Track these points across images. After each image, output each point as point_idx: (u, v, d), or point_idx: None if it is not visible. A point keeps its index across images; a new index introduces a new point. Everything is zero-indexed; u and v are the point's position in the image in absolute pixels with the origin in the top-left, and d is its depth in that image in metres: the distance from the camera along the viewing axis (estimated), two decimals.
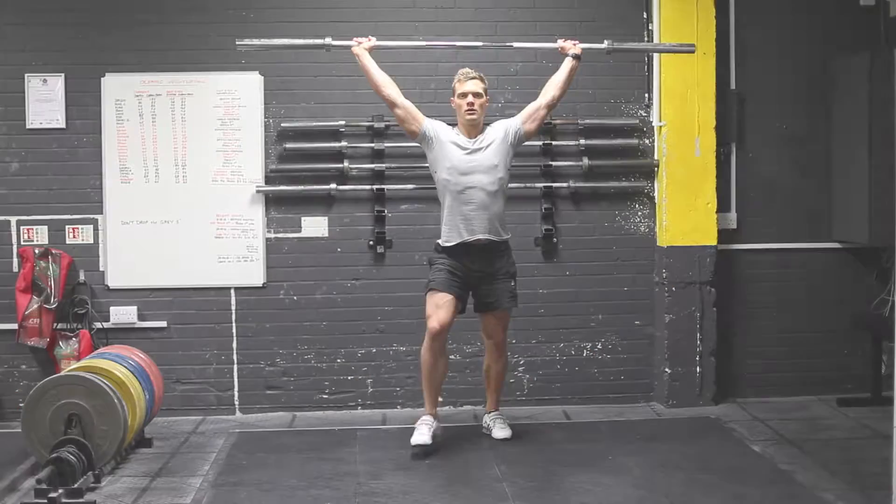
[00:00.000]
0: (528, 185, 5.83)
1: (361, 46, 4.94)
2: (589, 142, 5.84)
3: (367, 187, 5.78)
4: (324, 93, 5.77)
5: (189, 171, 5.73)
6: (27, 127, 5.67)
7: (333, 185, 5.75)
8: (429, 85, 5.78)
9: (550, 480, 4.44)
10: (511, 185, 5.67)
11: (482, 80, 4.94)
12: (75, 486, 4.20)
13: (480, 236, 4.86)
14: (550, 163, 5.83)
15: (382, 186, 5.76)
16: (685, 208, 5.78)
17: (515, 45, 5.35)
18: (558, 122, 5.80)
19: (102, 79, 5.68)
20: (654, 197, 5.90)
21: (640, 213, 5.92)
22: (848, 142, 5.85)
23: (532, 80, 5.79)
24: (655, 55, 5.78)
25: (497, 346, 5.10)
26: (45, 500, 4.03)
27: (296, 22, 5.74)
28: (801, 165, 6.01)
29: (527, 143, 5.66)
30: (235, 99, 5.72)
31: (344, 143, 5.76)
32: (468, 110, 4.87)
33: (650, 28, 5.82)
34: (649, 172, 5.89)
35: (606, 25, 5.82)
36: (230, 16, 5.72)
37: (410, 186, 5.75)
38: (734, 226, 5.97)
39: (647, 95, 5.87)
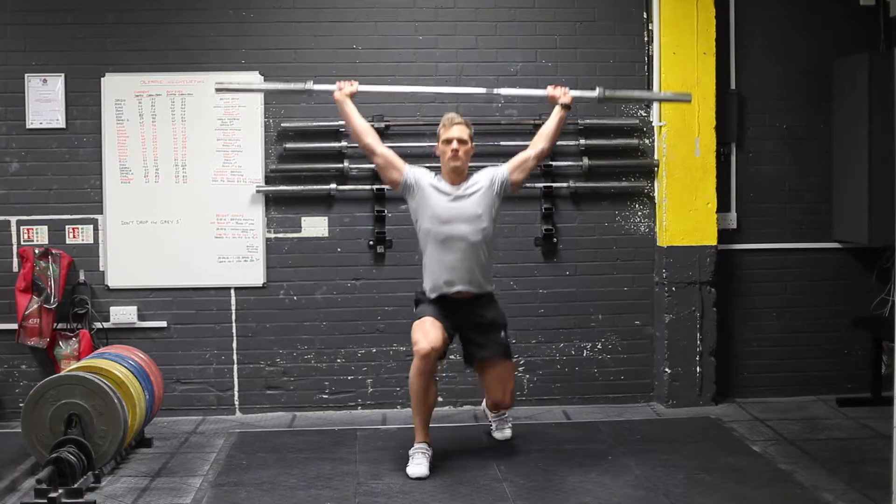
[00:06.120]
0: (528, 185, 5.80)
1: (343, 92, 4.75)
2: (589, 142, 5.84)
3: (367, 187, 5.78)
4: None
5: (189, 171, 5.73)
6: (27, 127, 5.67)
7: (333, 185, 5.75)
8: (429, 84, 5.78)
9: (550, 480, 4.44)
10: None
11: (468, 126, 4.73)
12: (75, 486, 4.20)
13: (461, 288, 4.68)
14: (550, 163, 5.82)
15: (382, 186, 5.74)
16: (685, 208, 5.78)
17: (503, 92, 5.21)
18: None
19: (102, 79, 5.68)
20: (654, 197, 5.90)
21: (640, 213, 5.92)
22: (848, 142, 5.85)
23: (532, 80, 5.80)
24: (655, 55, 5.78)
25: (506, 408, 5.00)
26: (45, 500, 4.03)
27: (295, 22, 5.75)
28: (801, 165, 6.02)
29: (526, 143, 5.67)
30: (235, 99, 5.72)
31: (344, 143, 5.75)
32: (452, 156, 4.66)
33: (650, 28, 5.82)
34: (649, 172, 5.89)
35: (606, 25, 5.84)
36: (230, 16, 5.73)
37: None
38: (734, 226, 5.97)
39: None
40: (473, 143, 4.78)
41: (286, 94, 5.58)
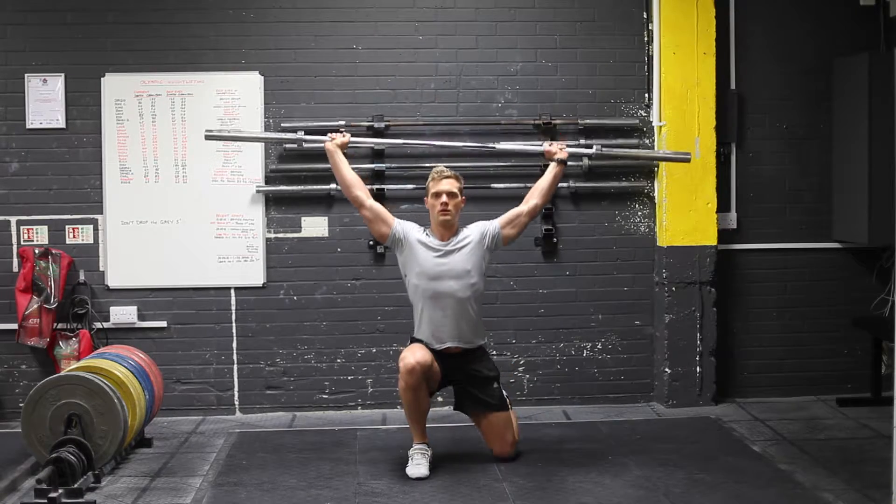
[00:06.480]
0: (529, 185, 5.76)
1: (334, 143, 4.72)
2: (589, 141, 5.82)
3: (367, 187, 5.76)
4: (324, 93, 5.77)
5: (189, 171, 5.73)
6: (27, 127, 5.67)
7: (333, 185, 5.74)
8: (429, 85, 5.79)
9: (550, 480, 4.44)
10: (512, 185, 5.72)
11: (458, 179, 4.68)
12: (75, 486, 4.20)
13: (450, 344, 4.64)
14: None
15: (382, 186, 5.75)
16: (685, 208, 5.78)
17: (500, 146, 5.24)
18: (558, 122, 5.80)
19: (102, 79, 5.68)
20: (654, 197, 5.90)
21: (640, 213, 5.92)
22: (848, 142, 5.85)
23: (532, 80, 5.81)
24: (655, 55, 5.78)
25: (510, 459, 4.74)
26: (45, 500, 4.03)
27: (295, 22, 5.75)
28: (801, 165, 6.02)
29: (526, 143, 5.68)
30: (235, 99, 5.72)
31: None
32: (442, 210, 4.60)
33: (650, 28, 5.82)
34: (649, 172, 5.89)
35: (606, 25, 5.84)
36: (230, 16, 5.73)
37: (410, 186, 5.75)
38: (734, 226, 5.97)
39: (647, 95, 5.86)
40: (464, 197, 4.74)
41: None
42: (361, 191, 4.73)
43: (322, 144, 4.81)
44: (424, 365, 4.51)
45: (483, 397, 4.73)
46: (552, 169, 4.82)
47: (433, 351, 4.65)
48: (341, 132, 4.82)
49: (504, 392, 4.82)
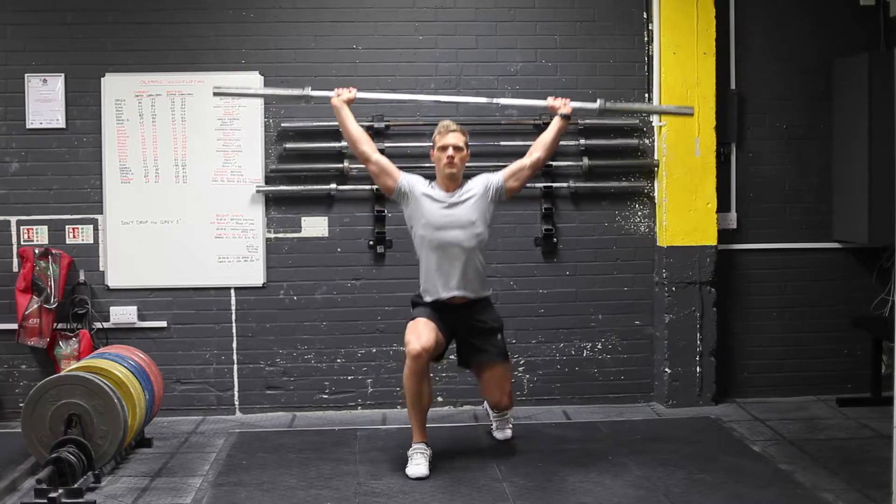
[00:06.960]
0: (528, 184, 5.77)
1: (341, 98, 4.78)
2: (589, 142, 5.84)
3: (367, 187, 5.77)
4: None
5: (189, 171, 5.73)
6: (27, 127, 5.67)
7: (333, 185, 5.75)
8: (429, 85, 5.79)
9: (550, 480, 4.44)
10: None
11: (463, 133, 4.74)
12: (75, 486, 4.21)
13: (456, 293, 4.69)
14: (550, 163, 5.80)
15: None
16: (685, 208, 5.78)
17: (503, 101, 5.25)
18: None
19: (102, 79, 5.68)
20: (654, 197, 5.90)
21: (640, 213, 5.92)
22: (848, 142, 5.85)
23: (532, 80, 5.81)
24: (655, 55, 5.78)
25: (505, 409, 5.01)
26: (45, 500, 4.03)
27: (295, 22, 5.75)
28: (801, 165, 6.02)
29: (526, 143, 5.68)
30: (235, 98, 5.72)
31: (344, 143, 5.72)
32: (448, 163, 4.66)
33: (650, 28, 5.82)
34: (649, 172, 5.89)
35: (606, 25, 5.84)
36: (230, 16, 5.73)
37: None
38: (734, 226, 5.97)
39: (647, 95, 5.86)
40: (469, 151, 4.79)
41: (284, 99, 5.61)
42: (368, 145, 4.78)
43: (329, 99, 4.84)
44: (430, 349, 4.54)
45: (486, 347, 4.79)
46: (556, 123, 4.85)
47: (439, 302, 4.70)
48: (348, 88, 4.87)
49: (506, 343, 4.90)
